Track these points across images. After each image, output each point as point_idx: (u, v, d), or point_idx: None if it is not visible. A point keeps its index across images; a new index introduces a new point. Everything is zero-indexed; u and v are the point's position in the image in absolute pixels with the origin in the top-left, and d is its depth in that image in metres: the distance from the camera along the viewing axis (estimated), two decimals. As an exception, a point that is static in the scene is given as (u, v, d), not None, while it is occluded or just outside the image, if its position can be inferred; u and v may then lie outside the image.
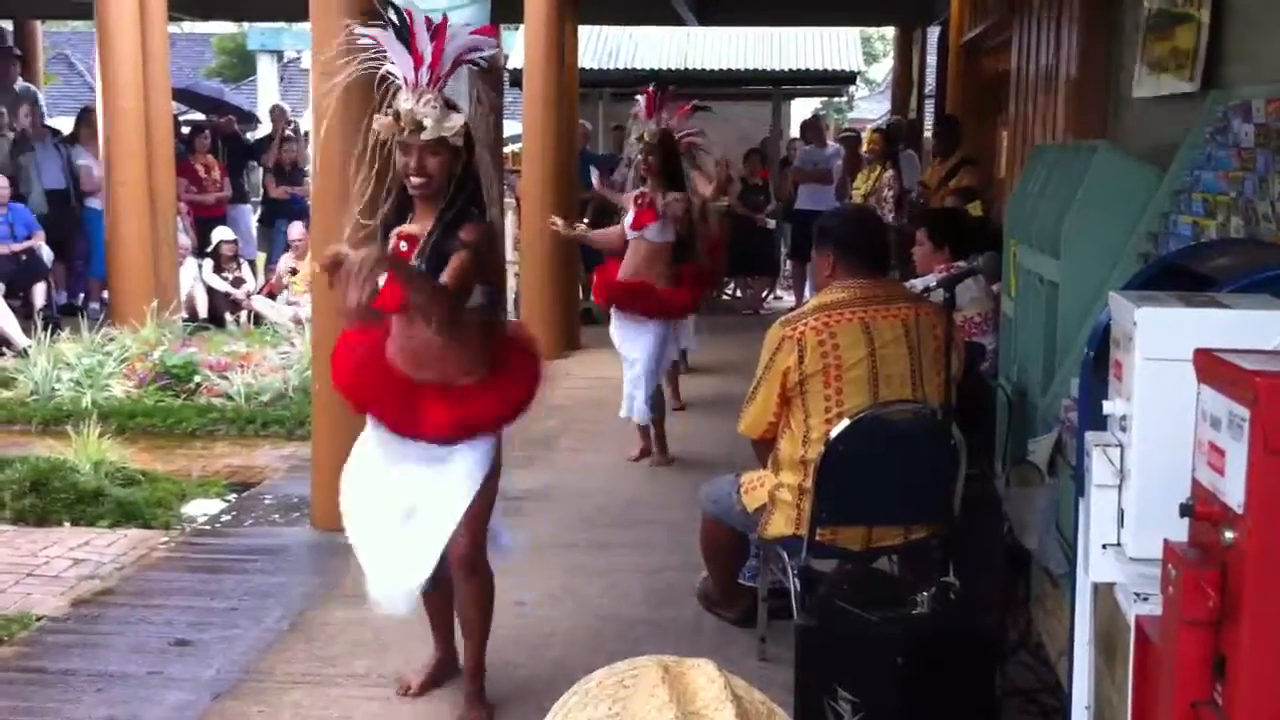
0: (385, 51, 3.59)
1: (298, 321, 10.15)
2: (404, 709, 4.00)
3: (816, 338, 3.83)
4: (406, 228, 3.63)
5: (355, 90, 4.89)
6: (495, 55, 4.01)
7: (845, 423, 3.74)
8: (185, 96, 14.44)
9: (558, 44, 9.83)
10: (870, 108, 27.21)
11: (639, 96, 7.03)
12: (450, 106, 3.61)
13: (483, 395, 3.66)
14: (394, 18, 3.56)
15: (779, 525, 3.96)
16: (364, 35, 3.61)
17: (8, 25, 14.78)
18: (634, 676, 1.72)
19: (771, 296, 14.15)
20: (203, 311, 11.33)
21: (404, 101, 3.51)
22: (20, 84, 13.67)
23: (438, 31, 3.61)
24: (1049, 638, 3.99)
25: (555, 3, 9.64)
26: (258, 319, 11.30)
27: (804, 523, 3.87)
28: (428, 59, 3.58)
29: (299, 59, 30.56)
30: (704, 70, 16.25)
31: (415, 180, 3.56)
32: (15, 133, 12.28)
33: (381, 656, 4.31)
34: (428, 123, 3.49)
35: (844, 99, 29.78)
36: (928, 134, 13.21)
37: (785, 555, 3.98)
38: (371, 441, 3.87)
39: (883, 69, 30.74)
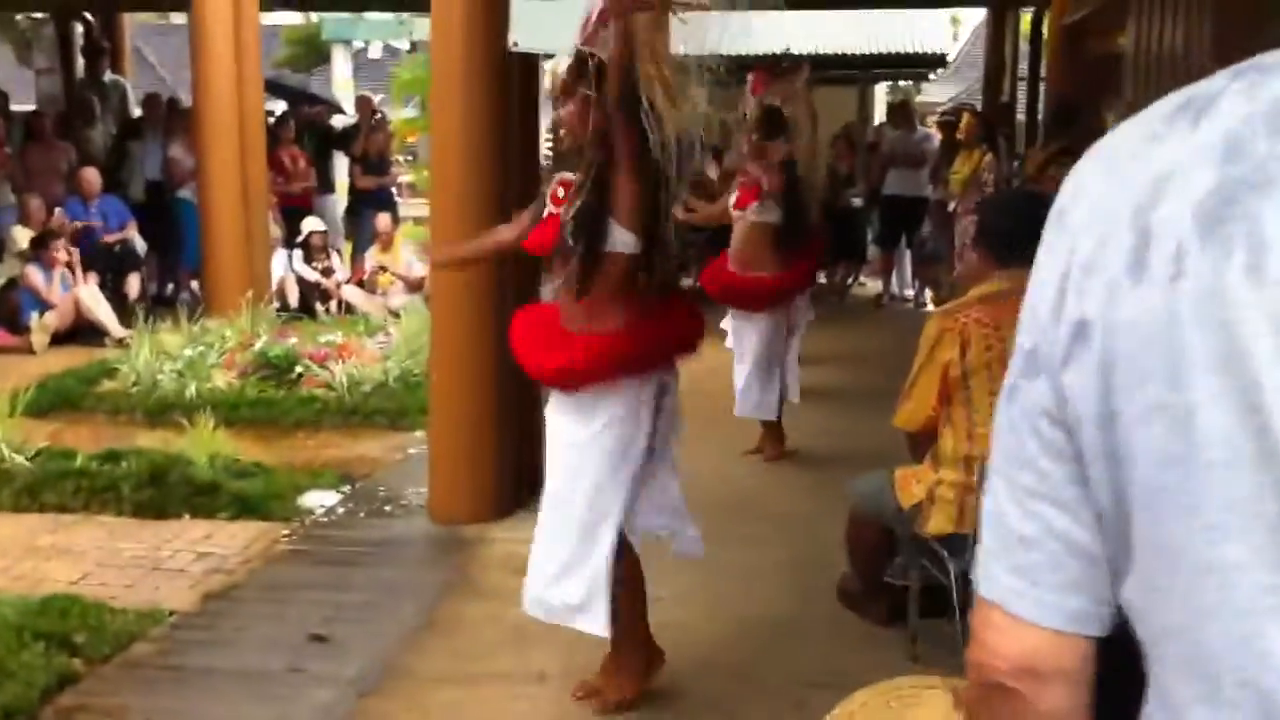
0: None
1: (394, 313, 10.12)
2: (555, 709, 3.92)
3: (980, 330, 3.70)
4: (566, 175, 3.70)
5: (479, 78, 4.85)
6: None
7: (1014, 418, 3.61)
8: (270, 88, 14.45)
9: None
10: (939, 90, 26.77)
11: (749, 77, 6.94)
12: (583, 54, 3.56)
13: (617, 338, 3.59)
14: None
15: (939, 523, 3.84)
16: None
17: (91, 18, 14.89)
18: (914, 696, 1.63)
19: (856, 283, 13.95)
20: (293, 301, 11.32)
21: None
22: (109, 76, 13.77)
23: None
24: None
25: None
26: (348, 308, 11.30)
27: (966, 520, 3.75)
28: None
29: (366, 49, 30.80)
30: (794, 54, 16.04)
31: (560, 133, 3.78)
32: (119, 123, 12.38)
33: (524, 654, 4.22)
34: (546, 76, 3.55)
35: (910, 83, 29.34)
36: (1020, 118, 12.99)
37: (946, 553, 3.85)
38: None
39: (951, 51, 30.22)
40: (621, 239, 3.55)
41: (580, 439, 3.63)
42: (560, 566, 3.68)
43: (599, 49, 3.49)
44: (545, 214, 3.68)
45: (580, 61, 3.55)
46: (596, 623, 3.67)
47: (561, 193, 3.65)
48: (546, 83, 3.72)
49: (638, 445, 3.65)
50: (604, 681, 3.88)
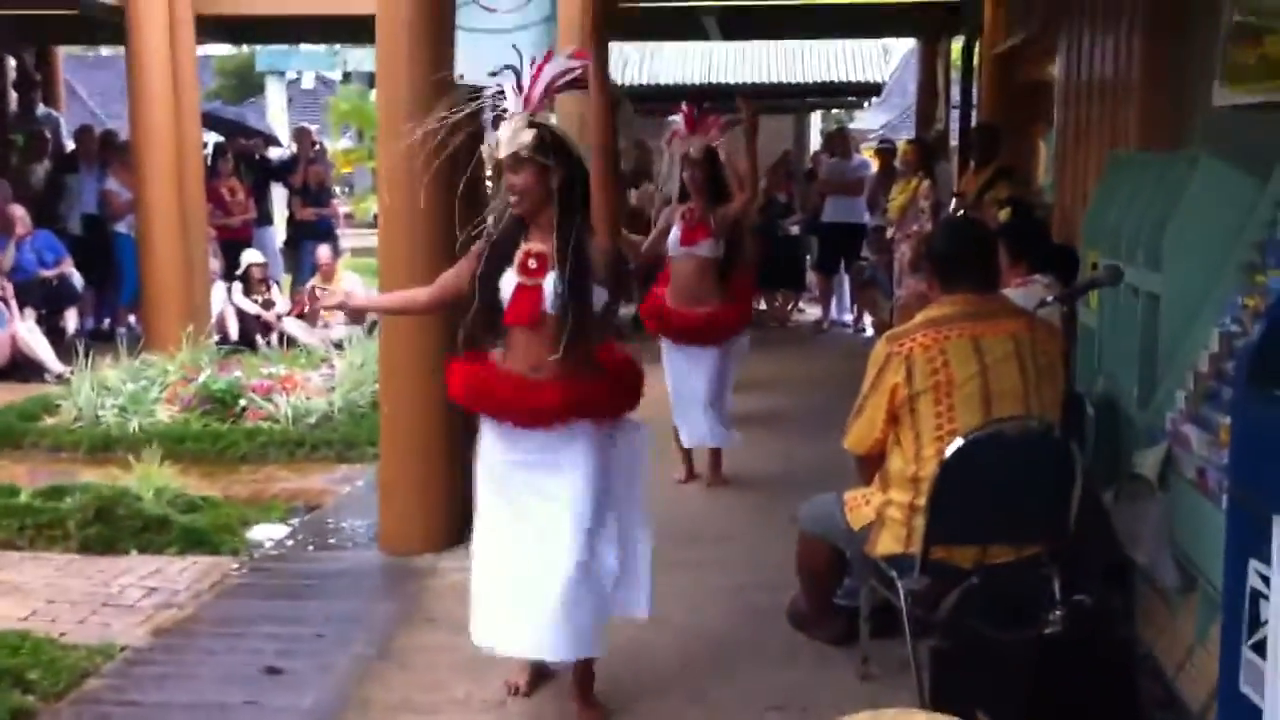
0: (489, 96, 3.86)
1: (336, 345, 10.10)
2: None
3: (925, 355, 3.79)
4: (533, 245, 3.76)
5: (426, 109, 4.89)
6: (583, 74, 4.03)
7: (959, 442, 3.69)
8: (207, 120, 14.40)
9: (598, 61, 9.77)
10: (870, 118, 27.10)
11: (673, 116, 6.90)
12: (536, 125, 3.69)
13: (593, 383, 3.82)
14: (514, 64, 3.79)
15: (887, 543, 3.91)
16: (493, 86, 3.83)
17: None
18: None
19: (795, 310, 14.09)
20: (234, 334, 11.28)
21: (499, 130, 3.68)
22: (42, 110, 13.66)
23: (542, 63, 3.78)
24: (1162, 653, 3.93)
25: (594, 21, 9.59)
26: (289, 341, 11.25)
27: (914, 541, 3.82)
28: (525, 88, 3.71)
29: (299, 80, 30.81)
30: (728, 84, 16.24)
31: (511, 199, 3.74)
32: (51, 158, 12.29)
33: (480, 680, 4.24)
34: (501, 141, 3.67)
35: (842, 110, 29.63)
36: (953, 144, 13.20)
37: (895, 574, 3.93)
38: (490, 463, 3.94)
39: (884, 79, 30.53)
40: (599, 297, 3.78)
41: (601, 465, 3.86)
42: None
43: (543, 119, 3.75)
44: (517, 284, 3.73)
45: (537, 132, 3.69)
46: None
47: (534, 264, 3.73)
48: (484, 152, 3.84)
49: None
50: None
